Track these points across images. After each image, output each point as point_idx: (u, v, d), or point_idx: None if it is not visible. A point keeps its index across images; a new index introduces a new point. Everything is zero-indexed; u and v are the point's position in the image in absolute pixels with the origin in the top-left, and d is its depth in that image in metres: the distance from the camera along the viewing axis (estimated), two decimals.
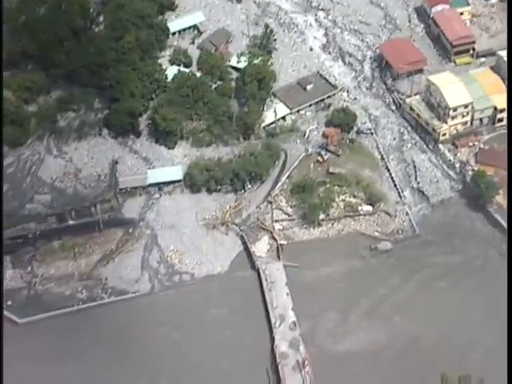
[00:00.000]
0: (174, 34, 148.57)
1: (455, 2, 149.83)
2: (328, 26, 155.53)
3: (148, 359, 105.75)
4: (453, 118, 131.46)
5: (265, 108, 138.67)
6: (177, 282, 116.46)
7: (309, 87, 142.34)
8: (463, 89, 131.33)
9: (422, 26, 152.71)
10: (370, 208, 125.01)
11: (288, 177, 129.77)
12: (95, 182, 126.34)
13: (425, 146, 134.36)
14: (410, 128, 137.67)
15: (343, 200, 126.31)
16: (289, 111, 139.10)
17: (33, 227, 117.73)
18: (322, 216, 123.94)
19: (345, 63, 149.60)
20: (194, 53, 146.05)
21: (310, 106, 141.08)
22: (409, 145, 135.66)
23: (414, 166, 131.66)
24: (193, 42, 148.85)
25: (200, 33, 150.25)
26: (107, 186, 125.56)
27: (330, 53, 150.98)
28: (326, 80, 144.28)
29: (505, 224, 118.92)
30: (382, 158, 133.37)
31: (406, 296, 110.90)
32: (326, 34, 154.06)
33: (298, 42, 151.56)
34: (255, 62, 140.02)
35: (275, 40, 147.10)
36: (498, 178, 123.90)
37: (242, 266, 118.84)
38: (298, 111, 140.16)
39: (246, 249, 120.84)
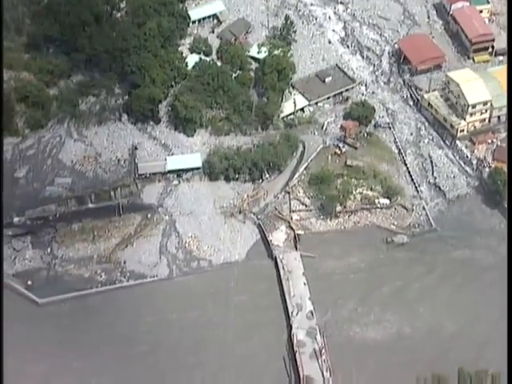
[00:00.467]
0: (193, 22, 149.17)
1: (475, 0, 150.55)
2: (347, 19, 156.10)
3: (166, 342, 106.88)
4: (471, 114, 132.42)
5: (283, 99, 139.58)
6: (195, 268, 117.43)
7: (327, 80, 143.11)
8: (482, 86, 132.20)
9: (441, 22, 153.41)
10: (387, 201, 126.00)
11: (306, 168, 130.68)
12: (115, 166, 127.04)
13: (442, 141, 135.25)
14: (427, 123, 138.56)
15: (360, 193, 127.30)
16: (307, 103, 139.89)
17: (53, 209, 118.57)
18: (339, 208, 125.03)
19: (363, 57, 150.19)
20: (214, 42, 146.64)
21: (329, 98, 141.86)
22: (426, 140, 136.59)
23: (431, 162, 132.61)
24: (212, 31, 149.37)
25: (220, 22, 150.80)
26: (127, 171, 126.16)
27: (348, 46, 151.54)
28: (345, 73, 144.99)
29: None
30: (400, 153, 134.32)
31: (423, 288, 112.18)
32: (344, 28, 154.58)
33: (316, 34, 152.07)
34: (275, 52, 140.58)
35: (295, 32, 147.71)
36: None
37: (259, 254, 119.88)
38: (317, 103, 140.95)
39: (263, 237, 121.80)
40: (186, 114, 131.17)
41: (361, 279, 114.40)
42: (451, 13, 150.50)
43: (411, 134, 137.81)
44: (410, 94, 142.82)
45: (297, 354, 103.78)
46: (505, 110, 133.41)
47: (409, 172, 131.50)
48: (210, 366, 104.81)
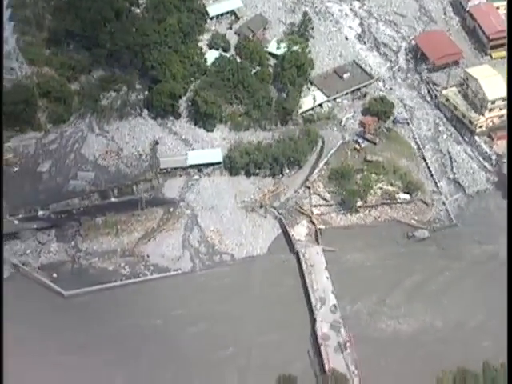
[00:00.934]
0: (211, 18, 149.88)
1: None
2: (363, 16, 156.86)
3: (190, 335, 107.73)
4: (490, 110, 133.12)
5: (302, 95, 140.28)
6: (217, 262, 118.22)
7: (345, 76, 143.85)
8: (502, 82, 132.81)
9: (457, 19, 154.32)
10: (407, 196, 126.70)
11: (326, 163, 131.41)
12: (136, 161, 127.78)
13: (460, 137, 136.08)
14: (445, 119, 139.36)
15: (380, 188, 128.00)
16: (326, 98, 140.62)
17: (76, 203, 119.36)
18: (359, 203, 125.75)
19: (380, 53, 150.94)
20: (232, 38, 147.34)
21: (347, 94, 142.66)
22: (444, 136, 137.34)
23: (450, 157, 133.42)
24: (230, 27, 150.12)
25: (237, 18, 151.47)
26: (148, 165, 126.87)
27: (365, 43, 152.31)
28: (363, 69, 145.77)
29: None
30: (419, 148, 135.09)
31: (446, 282, 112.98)
32: (361, 24, 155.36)
33: (333, 30, 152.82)
34: (294, 48, 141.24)
35: (312, 28, 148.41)
36: None
37: (280, 248, 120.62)
38: (335, 99, 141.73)
39: (285, 232, 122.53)
40: (206, 109, 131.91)
41: (383, 273, 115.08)
42: (468, 9, 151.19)
43: (429, 130, 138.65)
44: (428, 90, 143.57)
45: (322, 348, 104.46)
46: None
47: (428, 167, 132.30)
48: (234, 359, 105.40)
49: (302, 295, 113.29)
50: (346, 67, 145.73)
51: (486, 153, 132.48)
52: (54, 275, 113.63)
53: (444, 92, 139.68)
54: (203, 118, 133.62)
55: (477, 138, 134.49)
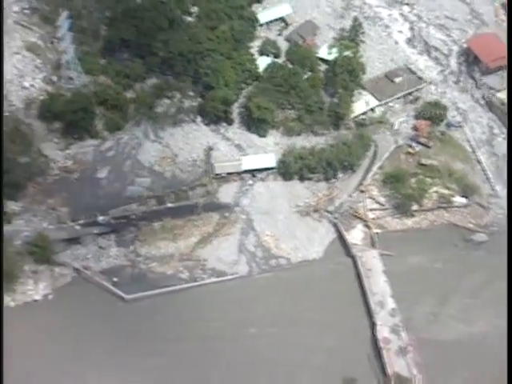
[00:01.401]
0: (261, 25, 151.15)
1: None
2: (413, 20, 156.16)
3: (249, 338, 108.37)
4: None
5: (353, 99, 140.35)
6: (274, 266, 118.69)
7: (397, 80, 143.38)
8: None
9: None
10: (464, 200, 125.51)
11: (380, 167, 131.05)
12: (191, 166, 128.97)
13: None
14: (499, 122, 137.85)
15: (436, 191, 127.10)
16: (378, 103, 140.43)
17: (134, 208, 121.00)
18: (414, 206, 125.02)
19: (430, 57, 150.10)
20: (282, 44, 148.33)
21: (399, 98, 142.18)
22: (499, 139, 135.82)
23: (506, 160, 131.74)
24: (280, 34, 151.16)
25: (287, 25, 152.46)
26: (203, 171, 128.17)
27: (415, 47, 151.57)
28: (414, 73, 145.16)
29: None
30: (473, 151, 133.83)
31: (505, 287, 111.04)
32: (411, 29, 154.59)
33: (383, 35, 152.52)
34: (345, 53, 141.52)
35: (363, 33, 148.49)
36: None
37: (336, 252, 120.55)
38: (387, 103, 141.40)
39: (340, 236, 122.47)
40: (259, 114, 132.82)
41: (442, 276, 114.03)
42: None
43: (484, 133, 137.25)
44: (481, 94, 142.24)
45: (384, 352, 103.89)
46: None
47: (484, 170, 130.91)
48: (291, 363, 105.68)
49: (359, 299, 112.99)
50: (397, 71, 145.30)
51: None
52: (115, 279, 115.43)
53: (499, 95, 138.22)
54: (256, 124, 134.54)
55: None
